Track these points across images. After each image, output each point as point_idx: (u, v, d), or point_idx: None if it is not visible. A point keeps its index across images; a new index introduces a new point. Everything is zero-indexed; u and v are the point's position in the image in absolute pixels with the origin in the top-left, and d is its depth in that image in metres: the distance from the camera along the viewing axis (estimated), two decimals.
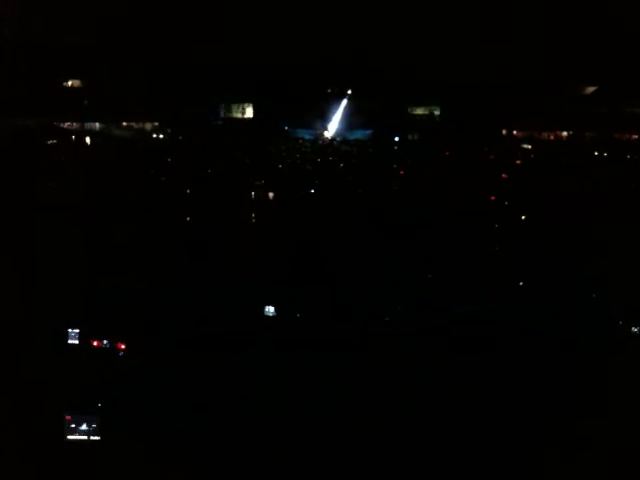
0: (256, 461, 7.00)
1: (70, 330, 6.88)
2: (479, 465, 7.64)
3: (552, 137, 45.55)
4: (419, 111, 50.90)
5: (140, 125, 47.96)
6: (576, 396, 8.73)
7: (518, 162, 37.73)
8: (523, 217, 21.26)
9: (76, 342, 6.97)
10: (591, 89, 43.30)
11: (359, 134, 51.00)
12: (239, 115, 50.72)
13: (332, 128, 50.96)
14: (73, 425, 5.69)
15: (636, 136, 41.12)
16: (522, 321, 11.89)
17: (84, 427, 5.73)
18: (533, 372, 9.80)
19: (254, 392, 8.36)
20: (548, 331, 11.42)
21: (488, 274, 14.75)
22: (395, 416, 8.35)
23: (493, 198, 24.92)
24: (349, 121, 51.52)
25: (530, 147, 44.05)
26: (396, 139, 48.99)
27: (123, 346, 8.26)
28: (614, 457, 7.45)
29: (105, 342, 7.86)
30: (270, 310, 9.49)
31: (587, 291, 13.18)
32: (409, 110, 50.42)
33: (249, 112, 50.30)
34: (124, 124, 47.78)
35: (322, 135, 50.20)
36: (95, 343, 7.65)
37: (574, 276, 14.32)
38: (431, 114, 49.81)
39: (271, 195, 25.58)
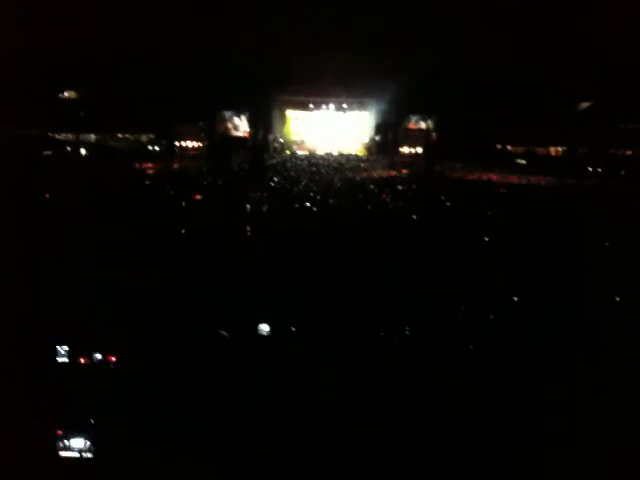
0: (254, 463, 6.86)
1: (59, 347, 6.64)
2: (479, 466, 7.55)
3: (546, 152, 45.81)
4: (415, 125, 51.17)
5: (136, 136, 47.98)
6: (573, 407, 8.61)
7: (514, 176, 37.86)
8: (520, 232, 21.22)
9: (66, 360, 6.73)
10: (585, 104, 43.64)
11: (356, 146, 51.26)
12: (235, 126, 50.80)
13: (330, 141, 51.12)
14: (65, 442, 5.45)
15: (630, 152, 41.39)
16: (522, 328, 11.87)
17: (76, 444, 5.51)
18: (533, 377, 9.75)
19: (251, 394, 8.19)
20: (545, 340, 11.39)
21: (486, 282, 14.80)
22: (395, 417, 8.23)
23: (490, 212, 24.94)
24: (346, 134, 51.75)
25: (525, 162, 44.29)
26: (393, 152, 49.22)
27: (114, 359, 8.07)
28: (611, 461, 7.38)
29: (97, 356, 7.66)
30: (265, 329, 9.17)
31: (585, 305, 13.11)
32: (405, 124, 50.70)
33: (245, 124, 50.41)
34: (120, 135, 47.79)
35: (320, 148, 50.34)
36: (83, 360, 7.44)
37: (574, 289, 14.28)
38: (427, 128, 50.09)
39: (267, 208, 25.50)
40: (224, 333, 10.06)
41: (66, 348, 6.74)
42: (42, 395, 6.08)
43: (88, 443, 5.67)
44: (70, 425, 5.72)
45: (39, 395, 6.07)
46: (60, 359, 6.73)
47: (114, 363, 7.94)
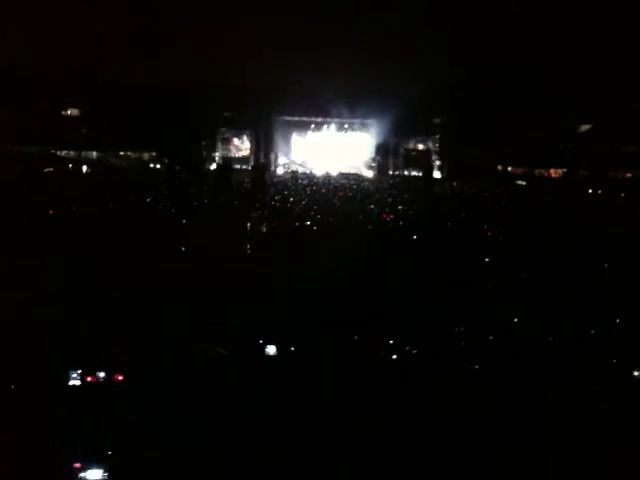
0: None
1: (71, 372, 6.62)
2: (479, 468, 7.58)
3: (546, 174, 45.99)
4: (415, 145, 51.42)
5: (137, 154, 48.15)
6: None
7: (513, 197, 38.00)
8: (520, 253, 21.27)
9: (78, 383, 6.72)
10: (586, 127, 43.93)
11: (357, 166, 51.43)
12: (237, 146, 51.02)
13: (331, 160, 51.27)
14: (82, 474, 5.41)
15: (630, 175, 41.60)
16: (522, 349, 11.96)
17: (94, 476, 5.46)
18: (530, 391, 9.79)
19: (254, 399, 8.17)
20: (546, 359, 11.44)
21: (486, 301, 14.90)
22: (396, 421, 8.22)
23: (490, 233, 25.05)
24: (347, 154, 51.98)
25: (524, 183, 44.45)
26: (394, 173, 49.42)
27: (120, 377, 8.02)
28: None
29: (101, 375, 7.61)
30: (271, 350, 9.16)
31: (587, 332, 13.09)
32: (406, 144, 50.94)
33: (247, 143, 50.61)
34: (121, 153, 47.97)
35: (321, 167, 50.44)
36: (89, 379, 7.40)
37: (573, 309, 14.32)
38: (427, 149, 50.31)
39: (267, 226, 25.55)
40: (222, 350, 10.05)
41: (79, 371, 6.76)
42: (59, 428, 6.06)
43: (106, 474, 5.65)
44: (88, 457, 5.69)
45: (56, 428, 6.05)
46: (72, 382, 6.73)
47: (121, 382, 7.93)
